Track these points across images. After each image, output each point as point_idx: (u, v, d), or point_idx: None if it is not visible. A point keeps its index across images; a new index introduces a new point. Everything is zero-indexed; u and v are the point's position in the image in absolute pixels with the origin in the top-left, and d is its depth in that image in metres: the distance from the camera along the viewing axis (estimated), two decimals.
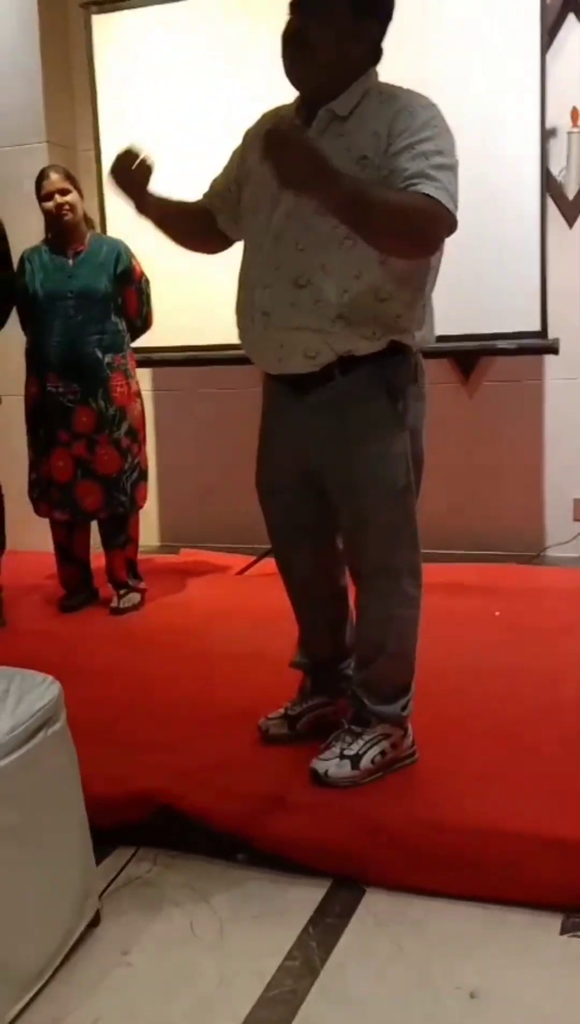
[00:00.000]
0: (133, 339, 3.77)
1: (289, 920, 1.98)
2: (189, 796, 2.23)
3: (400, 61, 3.88)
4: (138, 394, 3.75)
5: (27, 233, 3.95)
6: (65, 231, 3.62)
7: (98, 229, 3.78)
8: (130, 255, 3.68)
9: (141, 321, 3.75)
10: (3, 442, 3.87)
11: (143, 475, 3.75)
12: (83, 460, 3.62)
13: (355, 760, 2.28)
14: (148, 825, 2.23)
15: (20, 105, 4.63)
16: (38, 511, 3.77)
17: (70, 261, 3.62)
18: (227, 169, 2.35)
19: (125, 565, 3.80)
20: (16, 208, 4.22)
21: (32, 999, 1.73)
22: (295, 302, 2.11)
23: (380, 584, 2.29)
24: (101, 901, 2.00)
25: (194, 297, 4.05)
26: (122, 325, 3.68)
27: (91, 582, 3.91)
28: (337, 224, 2.03)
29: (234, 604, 3.76)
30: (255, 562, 4.22)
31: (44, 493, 3.71)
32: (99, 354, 3.59)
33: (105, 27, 4.45)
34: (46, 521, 3.82)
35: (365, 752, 2.29)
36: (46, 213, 3.62)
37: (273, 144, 1.91)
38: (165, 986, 1.81)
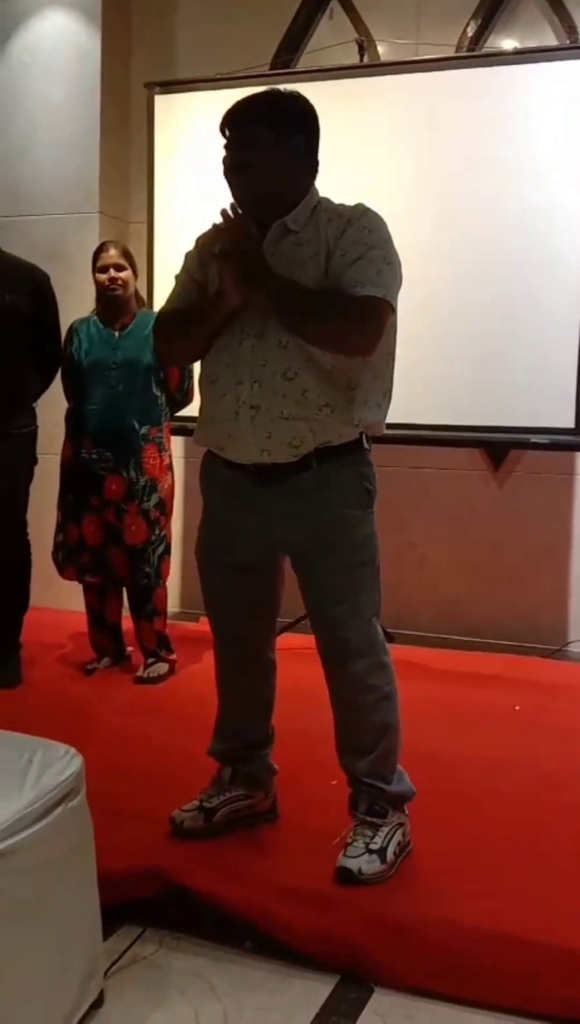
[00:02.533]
0: (173, 412, 3.82)
1: (294, 1016, 1.94)
2: (200, 876, 2.21)
3: (443, 158, 4.09)
4: (170, 467, 3.79)
5: (73, 299, 4.04)
6: (114, 305, 3.71)
7: (147, 306, 3.86)
8: None
9: (182, 395, 3.81)
10: (39, 501, 3.90)
11: (168, 549, 3.77)
12: (112, 527, 3.66)
13: (382, 854, 2.27)
14: (156, 903, 2.21)
15: (76, 175, 4.76)
16: (62, 574, 3.79)
17: (116, 333, 3.70)
18: (186, 279, 2.41)
19: (154, 636, 3.79)
20: (65, 274, 4.33)
21: None
22: (286, 393, 2.22)
23: (368, 663, 2.32)
24: (105, 981, 1.97)
25: None
26: (163, 398, 3.74)
27: (123, 647, 3.91)
28: None
29: None
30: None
31: (72, 557, 3.74)
32: (136, 424, 3.65)
33: (166, 106, 4.60)
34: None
35: (388, 844, 2.28)
36: (98, 285, 3.72)
37: (231, 249, 2.19)
38: None
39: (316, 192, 2.33)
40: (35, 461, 3.71)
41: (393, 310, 2.22)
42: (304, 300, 2.19)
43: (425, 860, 2.35)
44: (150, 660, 3.78)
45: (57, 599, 4.32)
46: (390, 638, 4.24)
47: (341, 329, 2.18)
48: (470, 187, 4.12)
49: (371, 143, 4.14)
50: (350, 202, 2.30)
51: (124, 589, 3.84)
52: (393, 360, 2.35)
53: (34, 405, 3.71)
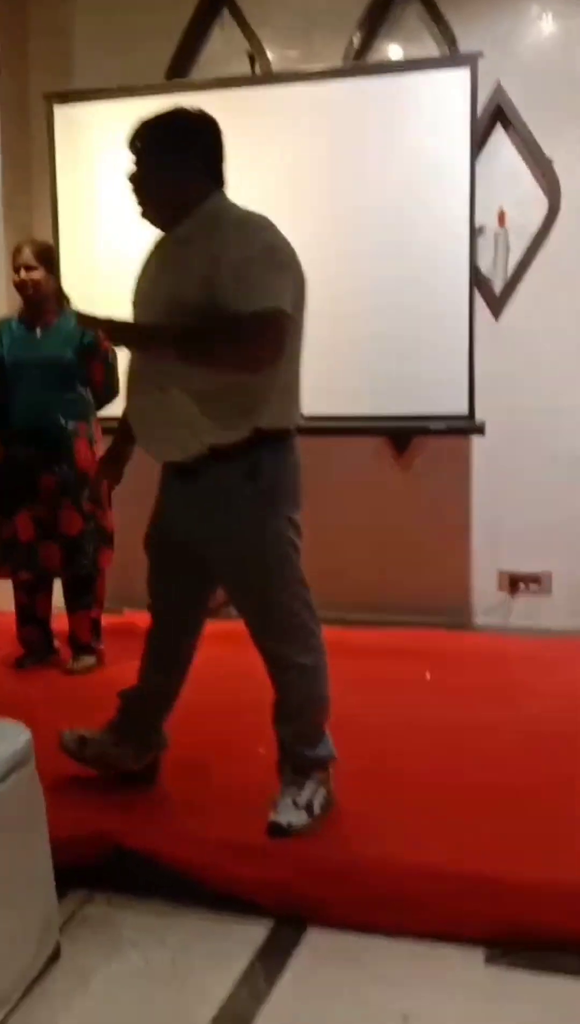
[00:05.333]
0: (99, 408, 3.92)
1: (237, 956, 2.13)
2: (142, 837, 2.39)
3: (334, 164, 4.31)
4: None
5: None
6: (31, 305, 3.81)
7: (70, 305, 3.94)
8: None
9: (106, 390, 3.91)
10: None
11: (105, 538, 3.89)
12: (44, 521, 3.77)
13: (309, 808, 2.49)
14: (103, 866, 2.37)
15: None
16: (0, 572, 3.91)
17: (38, 333, 3.82)
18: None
19: (89, 625, 3.92)
20: None
21: None
22: (161, 403, 2.42)
23: (288, 644, 2.54)
24: (60, 937, 2.13)
25: None
26: (88, 395, 3.86)
27: (51, 643, 4.02)
28: None
29: None
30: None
31: (6, 554, 3.85)
32: (62, 421, 3.76)
33: (66, 118, 4.71)
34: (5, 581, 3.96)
35: (314, 799, 2.50)
36: (14, 284, 3.84)
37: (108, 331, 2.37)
38: (123, 1016, 1.95)
39: (216, 199, 2.45)
40: None
41: (287, 315, 2.30)
42: (201, 343, 2.30)
43: (352, 812, 2.57)
44: (78, 654, 3.91)
45: None
46: None
47: (242, 354, 2.29)
48: (361, 189, 4.33)
49: (266, 151, 4.33)
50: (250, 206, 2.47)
51: (58, 583, 3.94)
52: (296, 360, 2.46)
53: None
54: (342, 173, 4.36)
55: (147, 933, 2.22)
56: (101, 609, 3.99)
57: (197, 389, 2.36)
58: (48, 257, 3.85)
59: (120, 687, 3.60)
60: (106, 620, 4.37)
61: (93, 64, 4.89)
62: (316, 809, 2.50)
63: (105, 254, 4.62)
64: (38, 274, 3.77)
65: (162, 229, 2.48)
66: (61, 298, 3.92)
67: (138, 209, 2.46)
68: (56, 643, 4.03)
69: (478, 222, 4.28)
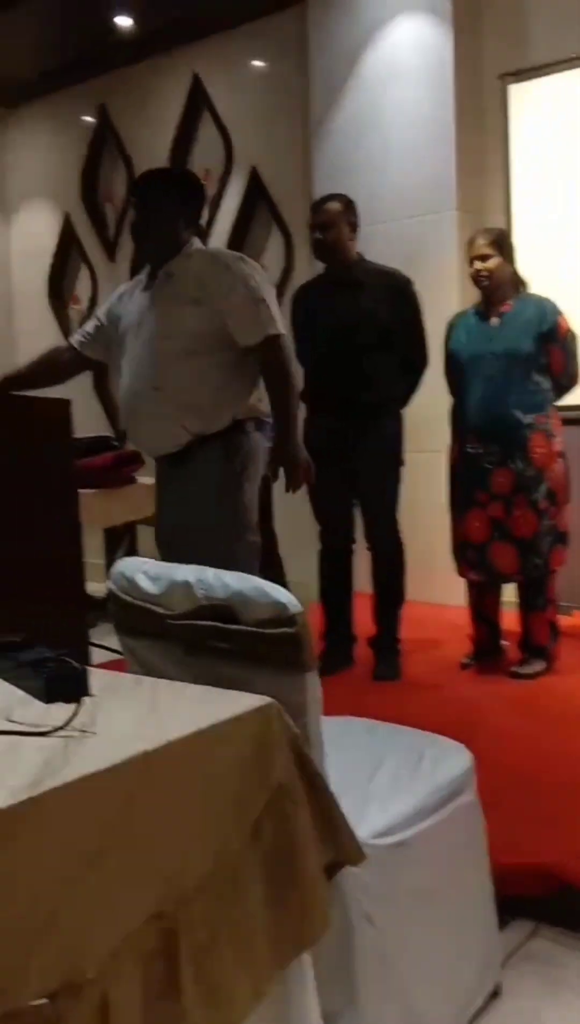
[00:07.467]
0: (558, 397, 3.72)
1: None
2: None
3: None
4: (560, 455, 3.67)
5: (434, 297, 4.08)
6: (487, 294, 3.71)
7: (528, 289, 3.76)
8: (556, 312, 3.65)
9: (567, 379, 3.70)
10: (432, 497, 4.02)
11: (560, 538, 3.68)
12: (499, 522, 3.65)
13: None
14: (549, 901, 2.21)
15: (433, 175, 4.80)
16: (459, 571, 3.85)
17: (493, 322, 3.69)
18: (102, 313, 3.19)
19: (543, 628, 3.74)
20: (426, 273, 4.41)
21: None
22: (155, 400, 2.92)
23: None
24: (502, 973, 2.01)
25: None
26: (546, 384, 3.65)
27: (499, 643, 3.91)
28: (177, 346, 2.89)
29: None
30: None
31: (461, 553, 3.80)
32: (519, 415, 3.60)
33: (520, 95, 4.54)
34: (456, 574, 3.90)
35: None
36: (470, 276, 3.74)
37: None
38: None
39: (195, 243, 3.01)
40: (402, 463, 3.82)
41: (280, 335, 2.91)
42: (291, 415, 2.97)
43: None
44: (527, 655, 3.75)
45: (434, 593, 4.42)
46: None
47: (292, 386, 2.96)
48: None
49: None
50: None
51: (512, 584, 3.81)
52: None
53: (401, 410, 3.81)
54: None
55: None
56: (556, 610, 3.79)
57: (187, 388, 2.88)
58: (502, 243, 3.70)
59: (569, 695, 3.43)
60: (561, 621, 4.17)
61: (550, 35, 4.65)
62: None
63: (561, 234, 4.40)
64: (493, 263, 3.65)
65: (155, 265, 2.99)
66: (518, 284, 3.75)
67: (139, 249, 3.09)
68: (504, 643, 3.91)
69: None
